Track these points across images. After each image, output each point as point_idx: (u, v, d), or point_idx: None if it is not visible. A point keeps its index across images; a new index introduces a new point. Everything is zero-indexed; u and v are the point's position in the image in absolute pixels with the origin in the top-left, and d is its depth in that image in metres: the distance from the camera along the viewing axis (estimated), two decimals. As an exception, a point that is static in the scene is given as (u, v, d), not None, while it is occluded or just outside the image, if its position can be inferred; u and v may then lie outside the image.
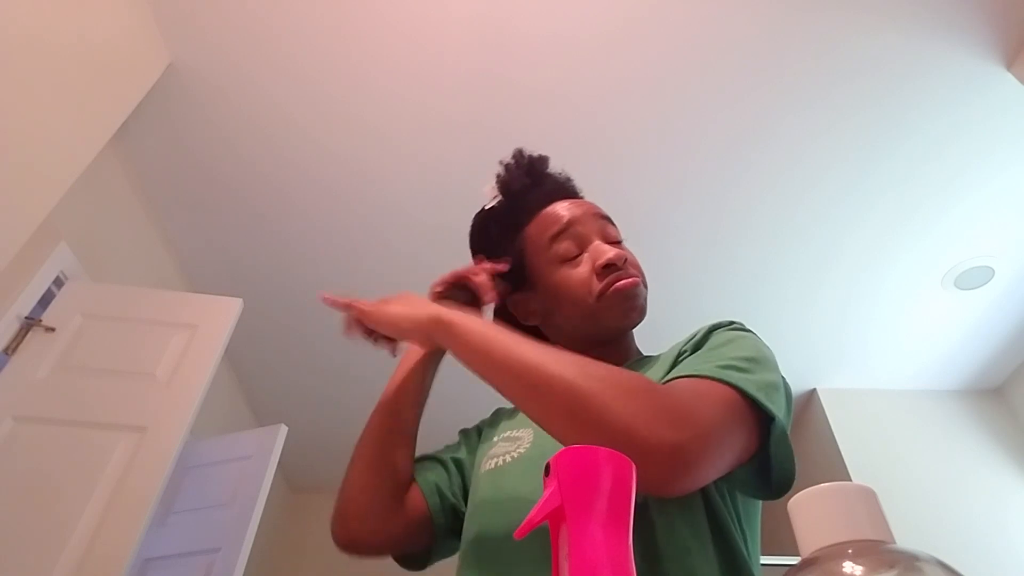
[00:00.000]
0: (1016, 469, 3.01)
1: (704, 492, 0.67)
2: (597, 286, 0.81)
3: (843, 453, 3.03)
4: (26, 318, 2.16)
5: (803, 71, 2.22)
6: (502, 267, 0.88)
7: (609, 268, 0.81)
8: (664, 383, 0.64)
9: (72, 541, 1.78)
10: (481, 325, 0.70)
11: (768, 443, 0.62)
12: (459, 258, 0.96)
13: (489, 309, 0.90)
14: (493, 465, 0.78)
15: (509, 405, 0.93)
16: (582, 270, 0.83)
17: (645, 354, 0.87)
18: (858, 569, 0.31)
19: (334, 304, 0.82)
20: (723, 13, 2.11)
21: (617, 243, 0.86)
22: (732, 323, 0.76)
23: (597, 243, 0.84)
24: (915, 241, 2.69)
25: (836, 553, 0.32)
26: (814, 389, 3.31)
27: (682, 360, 0.72)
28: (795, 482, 0.62)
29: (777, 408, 0.62)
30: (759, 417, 0.62)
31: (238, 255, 2.88)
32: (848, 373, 3.26)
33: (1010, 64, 2.16)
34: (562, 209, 0.88)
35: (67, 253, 2.32)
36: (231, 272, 2.93)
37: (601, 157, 2.45)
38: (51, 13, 1.80)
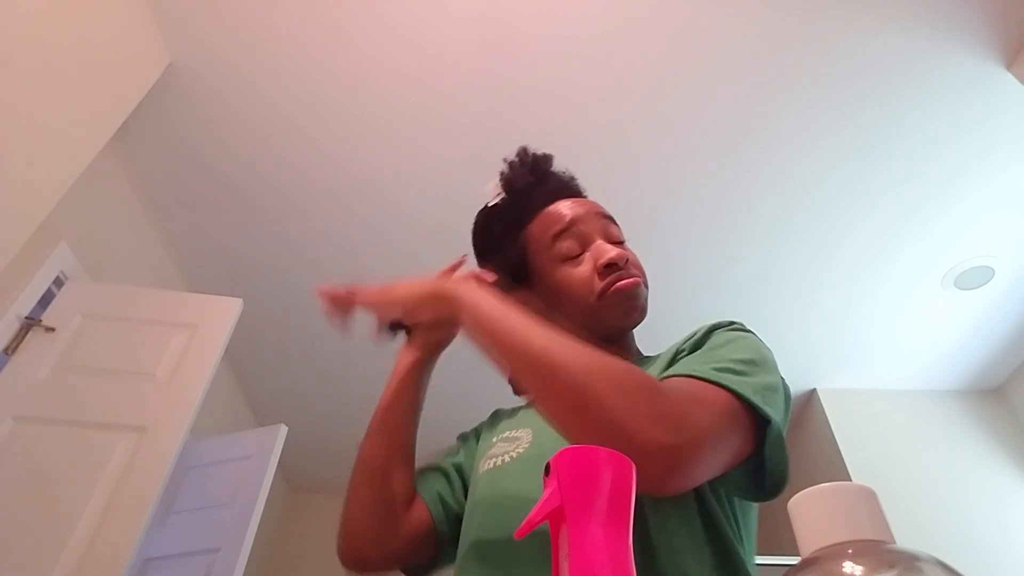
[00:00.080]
0: (1016, 469, 3.01)
1: (698, 491, 0.67)
2: (598, 285, 0.81)
3: (843, 453, 3.02)
4: (26, 318, 2.16)
5: (803, 71, 2.22)
6: (488, 276, 0.87)
7: (610, 268, 0.81)
8: (661, 380, 0.64)
9: (72, 541, 1.78)
10: (487, 302, 0.69)
11: (763, 445, 0.62)
12: (459, 258, 0.96)
13: None
14: (492, 465, 0.78)
15: (508, 406, 0.93)
16: (584, 269, 0.83)
17: (645, 354, 0.87)
18: (858, 569, 0.31)
19: (333, 296, 0.81)
20: (723, 13, 2.11)
21: (619, 243, 0.86)
22: (732, 323, 0.75)
23: (599, 242, 0.84)
24: (915, 241, 2.69)
25: (836, 553, 0.32)
26: (814, 389, 3.30)
27: (680, 359, 0.72)
28: (794, 483, 0.62)
29: (774, 411, 0.62)
30: (755, 420, 0.62)
31: (238, 255, 2.88)
32: (848, 373, 3.25)
33: (1010, 64, 2.16)
34: (565, 208, 0.87)
35: (67, 253, 2.32)
36: (231, 272, 2.93)
37: (601, 157, 2.45)
38: (51, 13, 1.80)
